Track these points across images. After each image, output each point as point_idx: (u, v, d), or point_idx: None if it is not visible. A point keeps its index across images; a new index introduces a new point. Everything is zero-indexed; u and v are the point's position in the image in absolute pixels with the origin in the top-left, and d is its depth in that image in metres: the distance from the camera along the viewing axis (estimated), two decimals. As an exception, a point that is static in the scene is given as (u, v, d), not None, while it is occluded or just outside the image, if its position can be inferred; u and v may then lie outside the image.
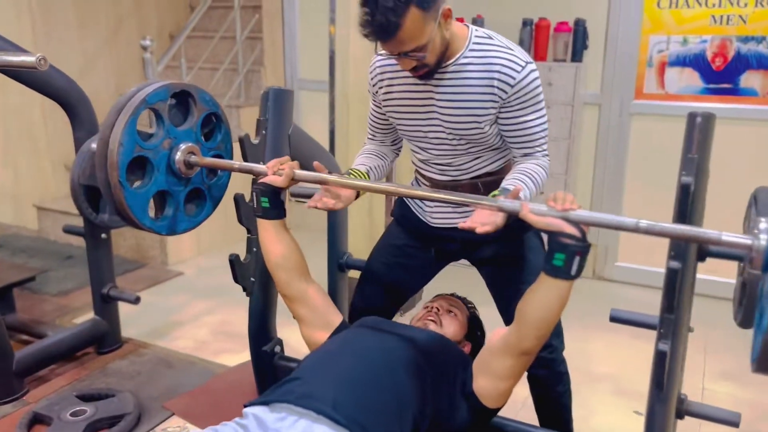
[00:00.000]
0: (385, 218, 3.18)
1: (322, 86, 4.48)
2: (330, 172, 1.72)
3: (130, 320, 3.12)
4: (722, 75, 3.41)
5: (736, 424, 1.62)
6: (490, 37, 1.64)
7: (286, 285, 1.70)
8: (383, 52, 1.71)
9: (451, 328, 1.76)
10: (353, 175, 1.78)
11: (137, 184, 1.76)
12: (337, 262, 2.47)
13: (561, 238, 1.31)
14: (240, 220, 1.98)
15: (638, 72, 3.57)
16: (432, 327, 1.73)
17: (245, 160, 1.94)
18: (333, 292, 2.42)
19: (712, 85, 3.45)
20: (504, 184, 1.64)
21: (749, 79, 3.37)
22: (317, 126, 4.57)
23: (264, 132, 1.98)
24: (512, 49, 1.61)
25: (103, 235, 2.82)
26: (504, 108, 1.64)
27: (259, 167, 1.75)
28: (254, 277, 2.03)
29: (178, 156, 1.81)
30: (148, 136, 1.78)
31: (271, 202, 1.66)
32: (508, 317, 1.87)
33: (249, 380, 2.64)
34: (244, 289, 2.03)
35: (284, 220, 1.71)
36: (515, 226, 1.58)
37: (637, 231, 1.30)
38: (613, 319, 2.05)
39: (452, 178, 1.82)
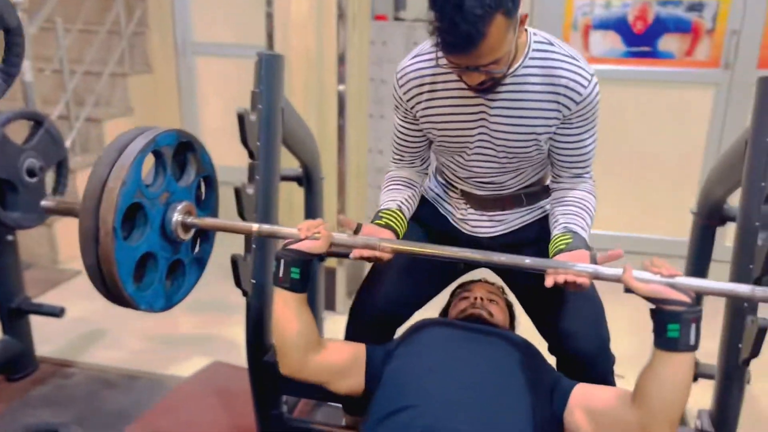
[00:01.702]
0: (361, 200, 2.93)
1: (222, 51, 4.05)
2: (359, 225, 1.50)
3: (35, 336, 2.60)
4: (642, 38, 3.52)
5: None
6: (551, 44, 1.44)
7: (299, 366, 1.43)
8: (417, 56, 1.49)
9: (499, 317, 1.61)
10: (386, 219, 1.55)
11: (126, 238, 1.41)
12: (316, 250, 2.21)
13: (670, 306, 1.18)
14: (238, 284, 1.66)
15: (563, 35, 3.59)
16: (484, 317, 1.57)
17: (243, 140, 1.62)
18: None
19: (633, 48, 3.55)
20: (563, 220, 1.48)
21: (667, 42, 3.50)
22: (216, 98, 4.15)
23: (260, 107, 1.66)
24: (577, 60, 1.42)
25: (9, 237, 2.31)
26: (564, 125, 1.46)
27: (289, 231, 1.46)
28: (254, 278, 1.72)
29: (176, 215, 1.49)
30: (146, 185, 1.44)
31: (302, 273, 1.38)
32: (544, 331, 1.68)
33: (217, 388, 2.34)
34: (244, 294, 1.72)
35: (306, 294, 1.44)
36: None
37: (753, 299, 1.27)
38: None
39: (492, 193, 1.64)
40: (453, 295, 1.81)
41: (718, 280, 1.29)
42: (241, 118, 1.59)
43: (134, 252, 1.40)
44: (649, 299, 1.21)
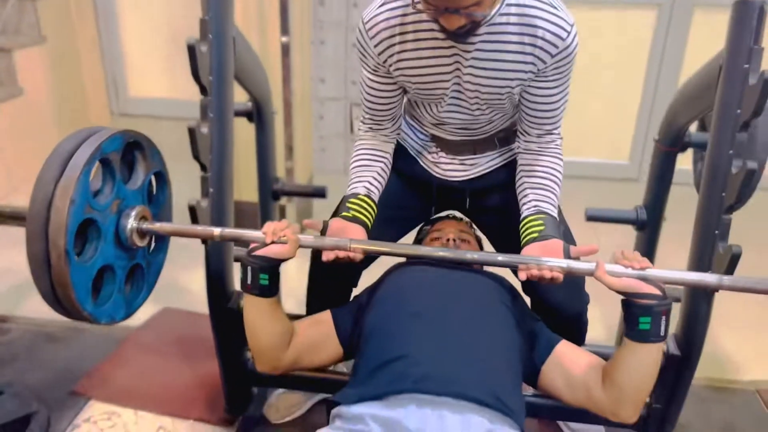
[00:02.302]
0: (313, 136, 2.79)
1: None
2: (325, 224, 1.41)
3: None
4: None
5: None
6: None
7: (276, 363, 1.39)
8: (385, 4, 1.36)
9: None
10: (354, 210, 1.45)
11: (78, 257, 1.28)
12: (271, 189, 2.11)
13: (641, 300, 1.20)
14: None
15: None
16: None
17: (194, 74, 1.47)
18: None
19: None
20: (533, 197, 1.44)
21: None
22: (141, 22, 3.81)
23: (210, 37, 1.50)
24: (557, 8, 1.32)
25: None
26: (538, 78, 1.38)
27: (254, 234, 1.35)
28: (213, 224, 1.61)
29: (130, 223, 1.38)
30: (94, 195, 1.30)
31: (271, 278, 1.30)
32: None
33: (171, 336, 2.25)
34: (204, 241, 1.61)
35: (277, 297, 1.37)
36: None
37: (720, 288, 1.31)
38: (590, 218, 2.03)
39: (464, 138, 1.59)
40: (421, 232, 1.76)
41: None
42: (192, 50, 1.44)
43: (90, 270, 1.29)
44: (622, 294, 1.23)
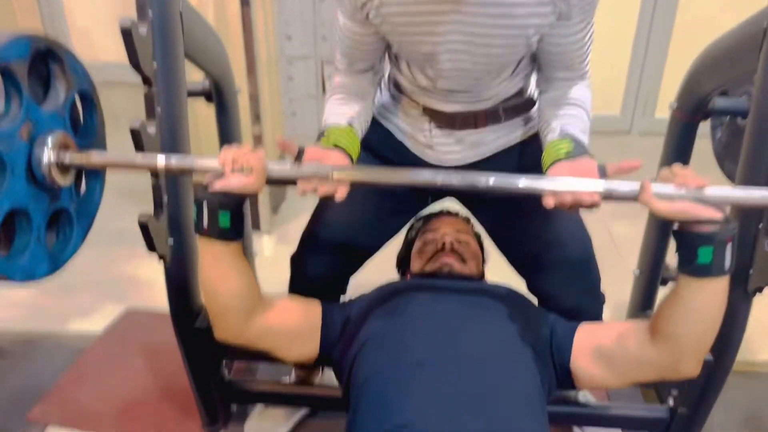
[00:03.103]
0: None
1: None
2: (300, 149, 1.12)
3: None
4: None
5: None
6: None
7: (237, 332, 1.14)
8: None
9: (472, 261, 1.36)
10: (335, 137, 1.19)
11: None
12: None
13: (700, 227, 0.97)
14: (152, 247, 1.29)
15: None
16: (457, 266, 1.31)
17: (133, 62, 1.19)
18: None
19: None
20: (558, 123, 1.19)
21: None
22: None
23: (151, 15, 1.21)
24: None
25: None
26: (561, 20, 1.11)
27: (209, 163, 1.09)
28: (171, 238, 1.36)
29: (47, 154, 1.09)
30: None
31: (233, 218, 1.03)
32: (522, 271, 1.47)
33: (137, 343, 2.03)
34: (161, 258, 1.37)
35: (240, 242, 1.10)
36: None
37: None
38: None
39: (463, 108, 1.31)
40: (412, 229, 1.53)
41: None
42: (128, 35, 1.15)
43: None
44: (677, 221, 1.00)
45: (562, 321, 1.20)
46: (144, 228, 1.26)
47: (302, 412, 1.75)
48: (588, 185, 1.03)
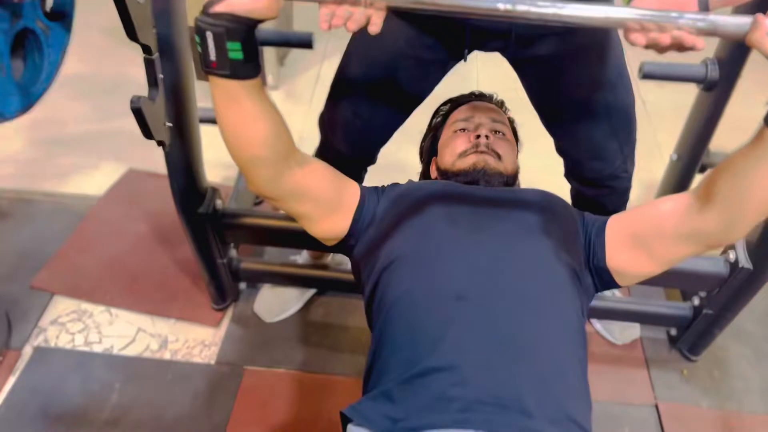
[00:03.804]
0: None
1: None
2: None
3: None
4: None
5: None
6: None
7: (271, 183, 0.96)
8: None
9: (509, 157, 1.20)
10: None
11: None
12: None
13: None
14: (148, 135, 1.11)
15: None
16: (492, 162, 1.16)
17: (130, 34, 0.97)
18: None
19: None
20: None
21: None
22: None
23: None
24: None
25: None
26: None
27: None
28: (170, 121, 1.21)
29: None
30: None
31: (246, 49, 0.82)
32: (556, 136, 1.36)
33: (142, 208, 1.94)
34: (161, 144, 1.22)
35: (260, 78, 0.90)
36: None
37: None
38: (647, 75, 1.63)
39: None
40: (438, 113, 1.36)
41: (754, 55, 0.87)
42: (139, 114, 0.93)
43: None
44: None
45: (592, 219, 1.07)
46: (138, 113, 1.11)
47: (311, 291, 1.71)
48: (684, 19, 0.82)
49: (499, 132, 1.22)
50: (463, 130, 1.23)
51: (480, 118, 1.24)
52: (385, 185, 1.14)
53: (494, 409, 0.80)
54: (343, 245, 1.09)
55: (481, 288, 0.90)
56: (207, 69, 0.84)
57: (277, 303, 1.67)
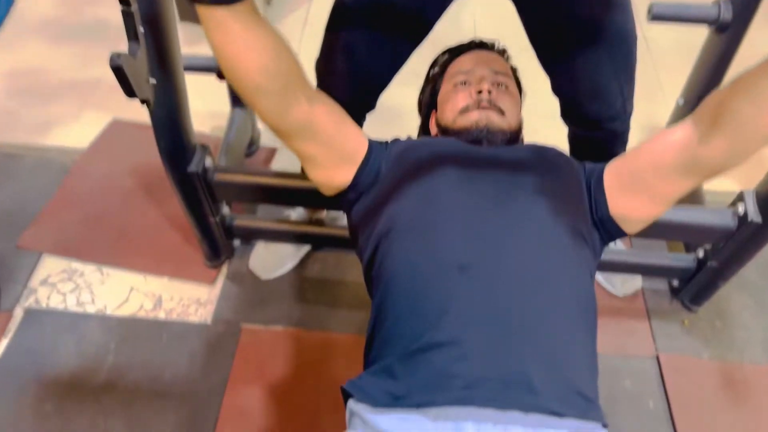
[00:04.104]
0: None
1: None
2: None
3: None
4: None
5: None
6: None
7: (277, 116, 0.89)
8: None
9: (512, 112, 1.13)
10: None
11: None
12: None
13: None
14: (130, 93, 1.04)
15: None
16: (495, 118, 1.10)
17: None
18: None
19: None
20: None
21: None
22: None
23: None
24: None
25: None
26: None
27: None
28: (153, 77, 1.13)
29: None
30: None
31: None
32: (555, 73, 1.28)
33: (129, 162, 1.87)
34: (144, 102, 1.15)
35: (250, 2, 0.81)
36: None
37: None
38: (657, 16, 1.56)
39: None
40: (436, 63, 1.28)
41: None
42: (119, 71, 0.85)
43: None
44: None
45: (591, 168, 1.03)
46: (118, 72, 1.03)
47: (307, 247, 1.67)
48: None
49: (502, 85, 1.16)
50: (464, 83, 1.16)
51: (482, 70, 1.17)
52: (389, 141, 1.09)
53: (499, 386, 0.77)
54: (343, 198, 1.05)
55: (486, 258, 0.86)
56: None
57: (273, 259, 1.63)
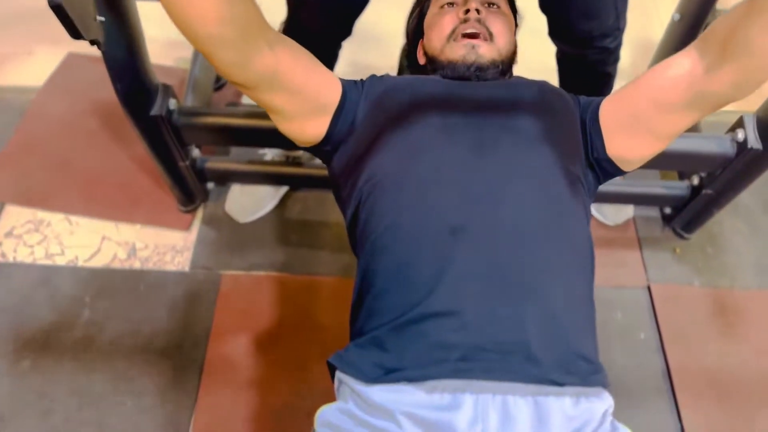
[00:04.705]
0: None
1: None
2: None
3: None
4: None
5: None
6: None
7: (237, 68, 0.78)
8: None
9: (504, 36, 1.03)
10: None
11: None
12: None
13: None
14: (76, 34, 0.90)
15: None
16: (483, 50, 0.99)
17: None
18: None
19: None
20: None
21: None
22: None
23: None
24: None
25: None
26: None
27: None
28: (101, 15, 1.01)
29: None
30: None
31: None
32: (551, 15, 1.19)
33: (91, 99, 1.76)
34: (95, 43, 1.03)
35: None
36: None
37: None
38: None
39: None
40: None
41: None
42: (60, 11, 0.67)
43: None
44: None
45: (586, 104, 0.94)
46: (59, 11, 0.91)
47: (285, 187, 1.59)
48: None
49: (493, 4, 1.05)
50: (451, 4, 1.05)
51: None
52: (365, 79, 0.99)
53: (498, 357, 0.72)
54: (318, 150, 0.96)
55: (479, 218, 0.79)
56: None
57: (250, 202, 1.55)
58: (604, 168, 0.94)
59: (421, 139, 0.86)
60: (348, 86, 0.93)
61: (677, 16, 1.58)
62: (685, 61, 0.80)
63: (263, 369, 1.35)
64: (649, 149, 0.91)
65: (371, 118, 0.92)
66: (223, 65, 0.77)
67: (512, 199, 0.81)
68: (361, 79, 0.98)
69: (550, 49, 1.35)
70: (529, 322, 0.74)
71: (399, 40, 1.23)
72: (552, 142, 0.88)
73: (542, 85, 0.98)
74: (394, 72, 1.27)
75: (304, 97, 0.88)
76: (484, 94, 0.93)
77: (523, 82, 0.99)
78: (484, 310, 0.74)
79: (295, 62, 0.85)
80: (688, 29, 1.58)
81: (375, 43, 1.56)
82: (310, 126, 0.92)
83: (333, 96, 0.91)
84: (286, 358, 1.36)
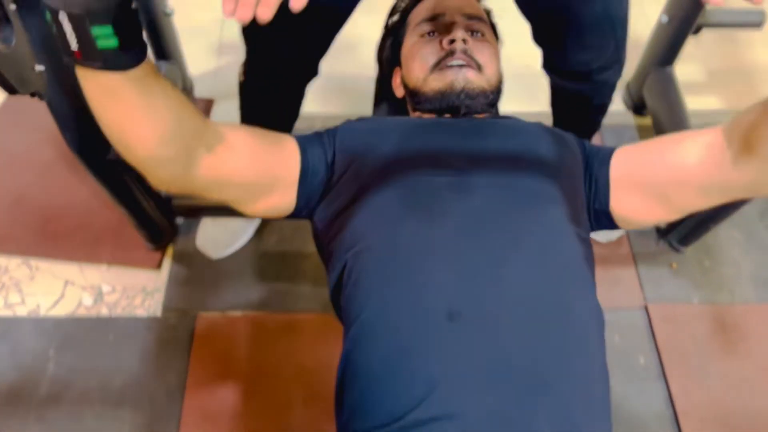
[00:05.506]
0: None
1: None
2: None
3: None
4: None
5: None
6: None
7: (178, 182, 0.71)
8: None
9: (492, 66, 0.93)
10: None
11: None
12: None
13: None
14: (11, 89, 0.77)
15: None
16: (473, 76, 0.90)
17: None
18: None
19: None
20: None
21: None
22: None
23: None
24: None
25: None
26: None
27: None
28: (41, 63, 0.90)
29: None
30: None
31: (121, 32, 0.55)
32: (536, 19, 1.09)
33: (47, 126, 1.63)
34: (35, 95, 0.92)
35: (149, 60, 0.61)
36: None
37: None
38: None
39: None
40: (398, 13, 1.06)
41: None
42: None
43: None
44: None
45: (594, 152, 0.87)
46: (-11, 68, 0.80)
47: (259, 218, 1.49)
48: None
49: (477, 32, 0.95)
50: (432, 33, 0.95)
51: (451, 14, 0.95)
52: (336, 127, 0.89)
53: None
54: (295, 217, 0.87)
55: (479, 299, 0.69)
56: (70, 58, 0.57)
57: (223, 235, 1.46)
58: (600, 220, 0.86)
59: (408, 200, 0.77)
60: (308, 146, 0.83)
61: (665, 18, 1.50)
62: (713, 147, 0.74)
63: (245, 419, 1.27)
64: (655, 216, 0.84)
65: (352, 172, 0.82)
66: (165, 182, 0.71)
67: (517, 273, 0.72)
68: (333, 128, 0.88)
69: (534, 52, 1.26)
70: (540, 418, 0.65)
71: (372, 47, 1.12)
72: (560, 202, 0.79)
73: (544, 128, 0.89)
74: (370, 88, 1.17)
75: (258, 184, 0.79)
76: (480, 145, 0.84)
77: (522, 127, 0.89)
78: (489, 408, 0.65)
79: (239, 155, 0.75)
80: (676, 30, 1.51)
81: (347, 51, 1.46)
82: (275, 201, 0.83)
83: (292, 168, 0.81)
84: (268, 404, 1.28)
